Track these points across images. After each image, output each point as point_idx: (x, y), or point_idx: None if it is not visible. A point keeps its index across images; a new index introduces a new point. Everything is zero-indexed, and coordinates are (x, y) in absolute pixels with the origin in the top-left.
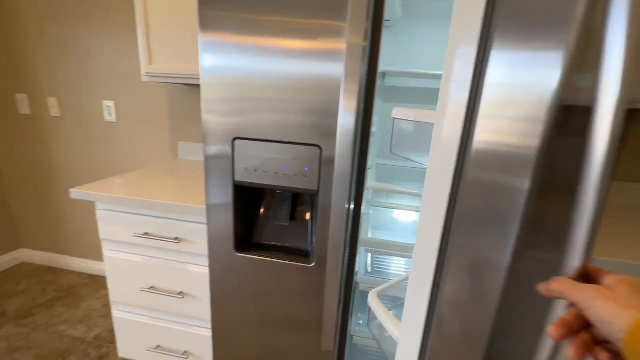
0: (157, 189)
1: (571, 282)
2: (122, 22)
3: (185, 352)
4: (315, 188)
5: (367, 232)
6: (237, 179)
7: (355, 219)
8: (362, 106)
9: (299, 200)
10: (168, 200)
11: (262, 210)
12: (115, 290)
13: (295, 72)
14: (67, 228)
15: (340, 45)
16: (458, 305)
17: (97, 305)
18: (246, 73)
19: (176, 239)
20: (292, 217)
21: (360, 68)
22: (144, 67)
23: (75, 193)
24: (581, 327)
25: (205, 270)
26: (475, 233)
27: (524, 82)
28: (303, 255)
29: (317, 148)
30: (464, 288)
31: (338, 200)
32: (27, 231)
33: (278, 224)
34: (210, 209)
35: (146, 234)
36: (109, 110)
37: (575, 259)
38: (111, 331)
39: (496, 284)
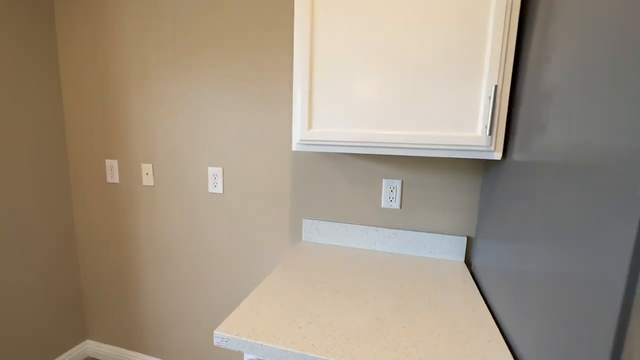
0: (343, 329)
1: None
2: (245, 79)
3: None
4: None
5: None
6: None
7: None
8: None
9: None
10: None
11: None
12: None
13: None
14: (140, 319)
15: None
16: None
17: None
18: None
19: None
20: None
21: None
22: (300, 134)
23: (220, 337)
24: None
25: None
26: None
27: None
28: None
29: None
30: None
31: None
32: (97, 320)
33: None
34: None
35: None
36: (215, 179)
37: None
38: None
39: None
